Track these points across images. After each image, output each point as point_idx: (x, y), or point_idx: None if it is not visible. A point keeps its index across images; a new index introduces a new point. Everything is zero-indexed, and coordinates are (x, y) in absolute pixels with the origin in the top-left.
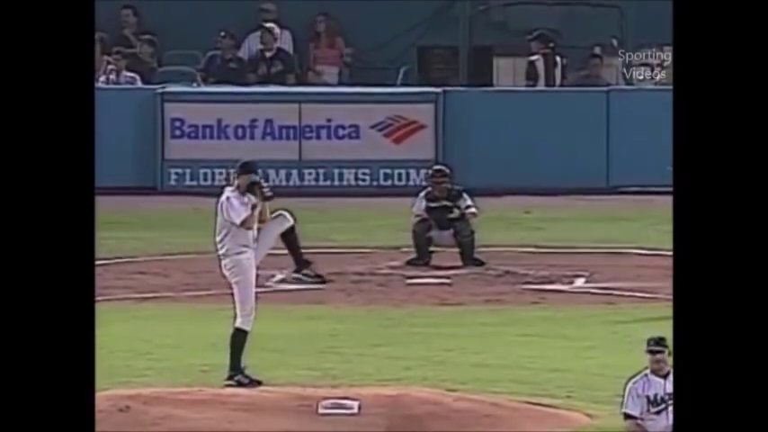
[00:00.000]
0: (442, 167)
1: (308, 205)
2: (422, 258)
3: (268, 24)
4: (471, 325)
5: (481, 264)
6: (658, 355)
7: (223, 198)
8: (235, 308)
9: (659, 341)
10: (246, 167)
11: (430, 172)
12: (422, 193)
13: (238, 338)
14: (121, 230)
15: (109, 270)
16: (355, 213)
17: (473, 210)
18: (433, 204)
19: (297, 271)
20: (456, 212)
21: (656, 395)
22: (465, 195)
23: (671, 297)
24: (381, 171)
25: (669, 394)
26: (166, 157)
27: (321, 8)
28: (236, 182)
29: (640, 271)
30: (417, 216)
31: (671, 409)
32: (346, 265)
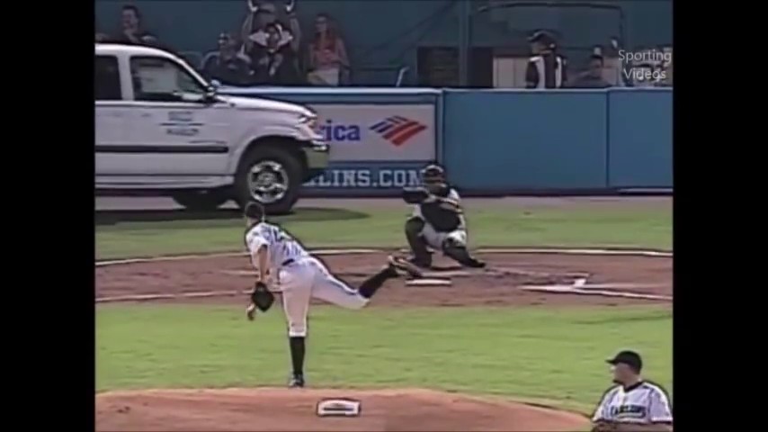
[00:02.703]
0: (435, 167)
1: (309, 206)
2: (421, 260)
3: (276, 24)
4: (471, 326)
5: (481, 265)
6: (614, 366)
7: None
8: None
9: (622, 353)
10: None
11: (423, 171)
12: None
13: (293, 346)
14: (121, 231)
15: (109, 271)
16: (355, 214)
17: (452, 200)
18: (426, 205)
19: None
20: (450, 213)
21: (613, 407)
22: (452, 192)
23: (671, 297)
24: (381, 172)
25: (624, 407)
26: None
27: (321, 9)
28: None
29: (640, 271)
30: (408, 216)
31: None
32: (346, 265)
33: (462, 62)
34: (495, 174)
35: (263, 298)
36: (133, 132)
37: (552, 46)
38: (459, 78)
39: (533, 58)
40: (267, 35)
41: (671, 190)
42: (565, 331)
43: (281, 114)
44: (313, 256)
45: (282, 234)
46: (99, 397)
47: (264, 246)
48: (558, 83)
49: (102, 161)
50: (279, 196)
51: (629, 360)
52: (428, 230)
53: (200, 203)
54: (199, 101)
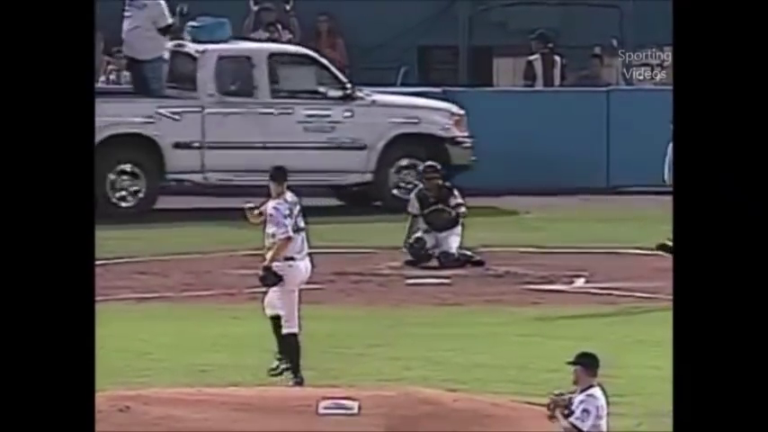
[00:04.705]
0: (433, 163)
1: (309, 204)
2: (421, 262)
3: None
4: (471, 325)
5: (480, 263)
6: (572, 367)
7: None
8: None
9: (579, 355)
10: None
11: (421, 168)
12: (414, 192)
13: (287, 342)
14: (122, 230)
15: (109, 270)
16: (355, 213)
17: (463, 209)
18: (426, 206)
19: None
20: (448, 213)
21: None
22: (455, 192)
23: (671, 297)
24: None
25: (572, 410)
26: None
27: (321, 8)
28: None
29: (640, 271)
30: (414, 232)
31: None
32: (346, 265)
33: (462, 61)
34: (495, 173)
35: (271, 278)
36: (269, 130)
37: (550, 45)
38: (459, 77)
39: (531, 57)
40: (267, 34)
41: (671, 190)
42: (564, 331)
43: (423, 111)
44: (312, 255)
45: (301, 224)
46: (99, 396)
47: (290, 238)
48: (557, 82)
49: (239, 158)
50: None
51: (583, 362)
52: (429, 238)
53: (357, 200)
54: (338, 98)
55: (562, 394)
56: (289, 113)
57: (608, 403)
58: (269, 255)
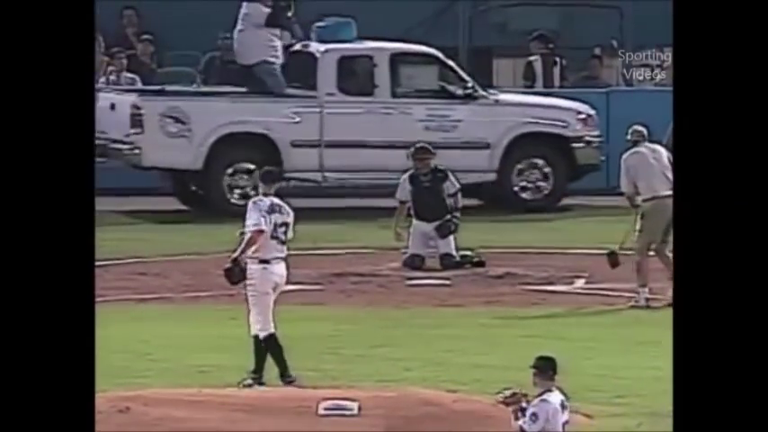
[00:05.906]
0: (424, 145)
1: (309, 205)
2: (418, 265)
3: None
4: (471, 326)
5: (482, 265)
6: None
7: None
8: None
9: (536, 358)
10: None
11: (412, 150)
12: (405, 176)
13: (267, 345)
14: (121, 231)
15: (109, 271)
16: (355, 214)
17: (457, 215)
18: (419, 191)
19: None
20: (448, 224)
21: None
22: (451, 177)
23: (671, 297)
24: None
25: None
26: None
27: (322, 9)
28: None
29: None
30: (405, 251)
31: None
32: (346, 265)
33: (462, 62)
34: None
35: (235, 274)
36: (389, 129)
37: (550, 45)
38: None
39: (531, 58)
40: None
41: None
42: (565, 331)
43: (550, 110)
44: (312, 256)
45: (283, 237)
46: (99, 397)
47: (261, 231)
48: (557, 83)
49: (357, 158)
50: (544, 193)
51: (537, 366)
52: (421, 246)
53: (495, 199)
54: (461, 97)
55: (515, 394)
56: (409, 113)
57: (565, 407)
58: (239, 248)
